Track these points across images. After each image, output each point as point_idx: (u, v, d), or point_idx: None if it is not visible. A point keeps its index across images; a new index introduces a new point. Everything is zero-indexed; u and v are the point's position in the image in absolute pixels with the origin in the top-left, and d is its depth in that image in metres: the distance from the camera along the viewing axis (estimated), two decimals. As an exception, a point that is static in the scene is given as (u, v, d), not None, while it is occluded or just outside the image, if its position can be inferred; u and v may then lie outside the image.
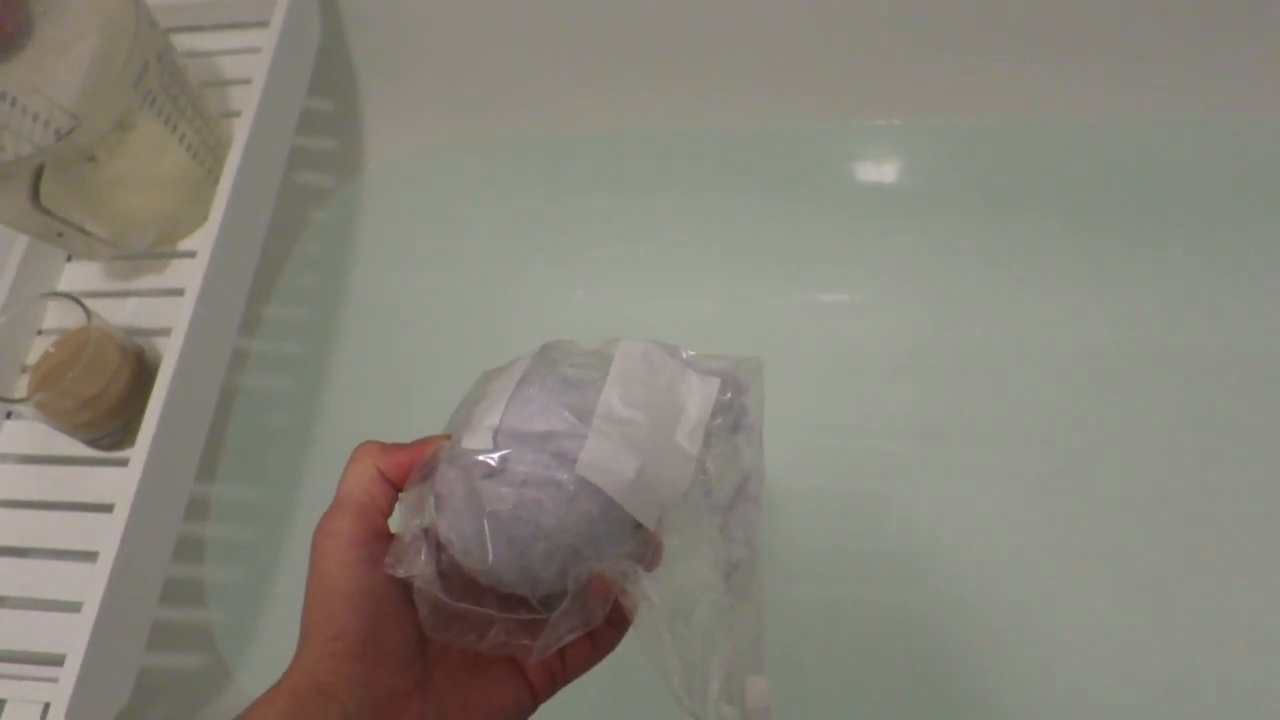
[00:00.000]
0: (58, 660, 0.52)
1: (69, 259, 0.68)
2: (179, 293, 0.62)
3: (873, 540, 0.78)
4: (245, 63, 0.72)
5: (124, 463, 0.57)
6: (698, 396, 0.36)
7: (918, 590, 0.75)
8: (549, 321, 0.89)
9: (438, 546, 0.34)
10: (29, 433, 0.62)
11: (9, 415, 0.63)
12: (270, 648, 0.77)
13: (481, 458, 0.33)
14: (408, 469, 0.35)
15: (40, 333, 0.63)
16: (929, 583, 0.75)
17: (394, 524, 0.36)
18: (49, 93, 0.63)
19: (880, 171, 0.90)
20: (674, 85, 0.88)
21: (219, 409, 0.65)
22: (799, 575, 0.77)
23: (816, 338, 0.85)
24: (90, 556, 0.55)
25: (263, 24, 0.71)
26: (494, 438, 0.33)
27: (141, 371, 0.61)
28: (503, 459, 0.33)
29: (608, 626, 0.35)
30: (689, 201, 0.92)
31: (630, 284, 0.90)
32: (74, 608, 0.54)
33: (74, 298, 0.58)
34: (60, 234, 0.59)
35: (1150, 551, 0.73)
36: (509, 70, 0.88)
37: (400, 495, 0.36)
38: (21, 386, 0.60)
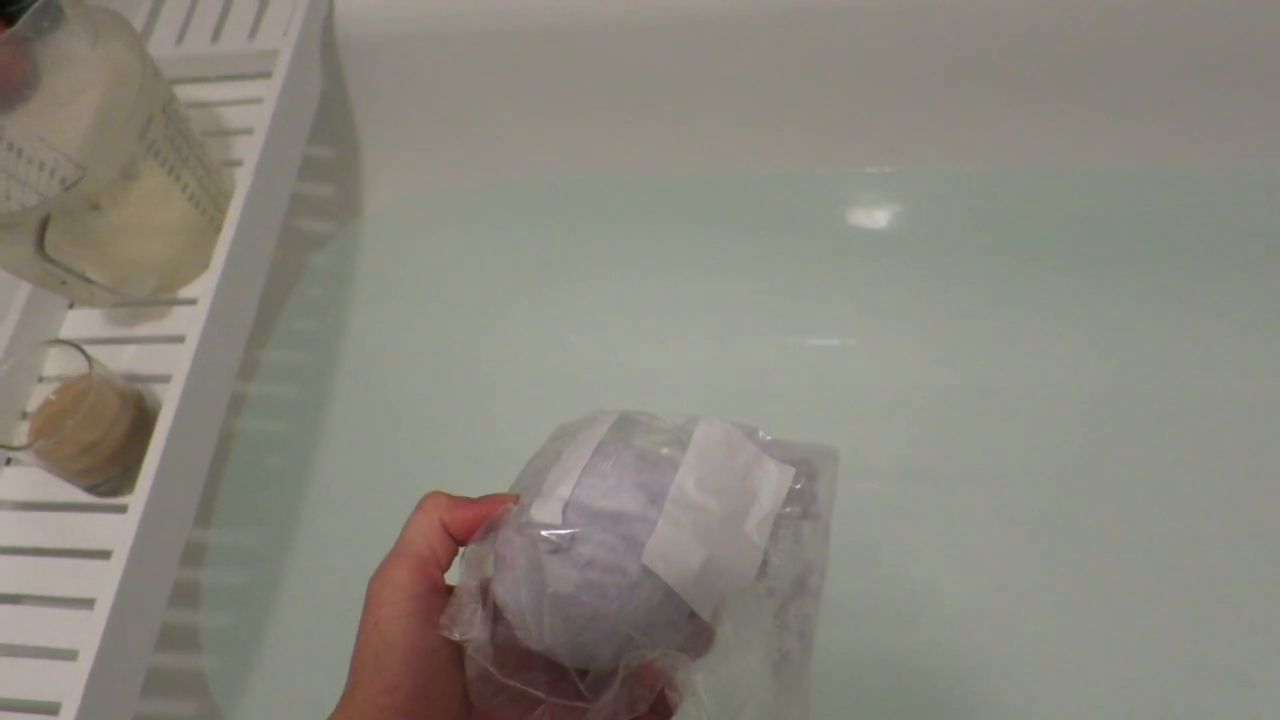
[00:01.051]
0: (53, 709, 0.52)
1: (70, 306, 0.69)
2: (179, 340, 0.63)
3: (866, 583, 0.78)
4: (248, 113, 0.73)
5: (123, 509, 0.57)
6: (772, 485, 0.35)
7: (911, 634, 0.75)
8: (541, 365, 0.90)
9: (494, 609, 0.34)
10: (28, 479, 0.62)
11: (8, 462, 0.63)
12: (264, 694, 0.76)
13: (548, 533, 0.33)
14: (473, 525, 0.35)
15: (41, 379, 0.63)
16: (923, 626, 0.75)
17: (453, 578, 0.35)
18: (55, 142, 0.64)
19: (873, 216, 0.91)
20: (667, 130, 0.89)
21: (216, 453, 0.65)
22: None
23: (810, 380, 0.86)
24: (87, 604, 0.55)
25: (265, 75, 0.73)
26: (564, 511, 0.33)
27: (141, 418, 0.61)
28: (570, 537, 0.32)
29: (651, 714, 0.34)
30: (683, 245, 0.93)
31: (624, 327, 0.91)
32: (70, 655, 0.54)
33: (75, 345, 0.59)
34: (64, 282, 0.60)
35: (1145, 595, 0.73)
36: (504, 115, 0.90)
37: (462, 551, 0.35)
38: (21, 433, 0.61)
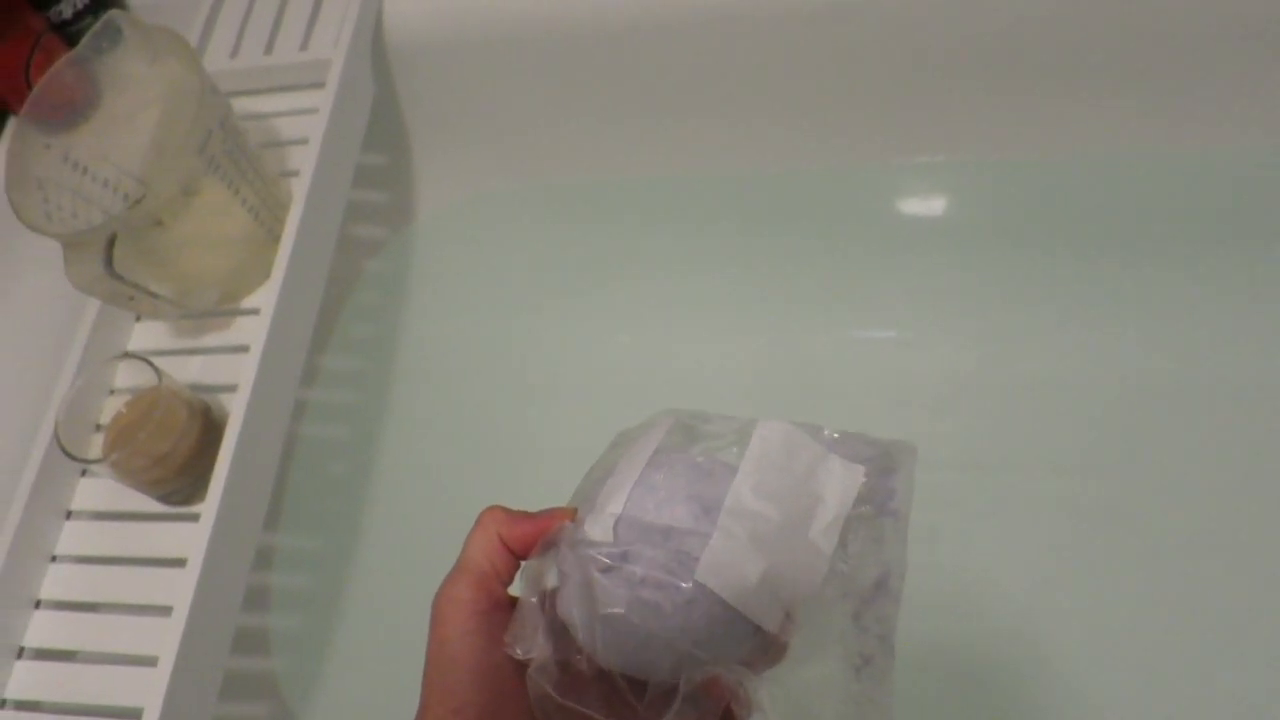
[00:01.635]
0: (135, 714, 0.54)
1: (138, 319, 0.70)
2: (244, 349, 0.64)
3: (924, 574, 0.77)
4: (303, 123, 0.74)
5: (195, 518, 0.59)
6: (838, 487, 0.34)
7: (971, 625, 0.75)
8: (595, 365, 0.90)
9: (556, 625, 0.34)
10: (103, 490, 0.64)
11: (84, 473, 0.65)
12: (335, 694, 0.78)
13: (598, 553, 0.32)
14: (531, 541, 0.35)
15: (112, 392, 0.65)
16: (983, 617, 0.75)
17: (515, 590, 0.36)
18: (118, 160, 0.65)
19: (924, 207, 0.90)
20: (715, 128, 0.89)
21: (281, 459, 0.66)
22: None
23: (863, 374, 0.86)
24: (165, 611, 0.56)
25: (318, 86, 0.73)
26: (615, 528, 0.33)
27: (209, 428, 0.63)
28: (622, 554, 0.32)
29: None
30: (732, 242, 0.93)
31: (675, 325, 0.91)
32: (150, 661, 0.55)
33: (144, 358, 0.60)
34: (131, 297, 0.61)
35: (1211, 585, 0.72)
36: (553, 117, 0.90)
37: (523, 565, 0.35)
38: (96, 446, 0.62)
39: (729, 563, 0.32)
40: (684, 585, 0.31)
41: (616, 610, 0.32)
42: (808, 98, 0.85)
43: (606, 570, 0.32)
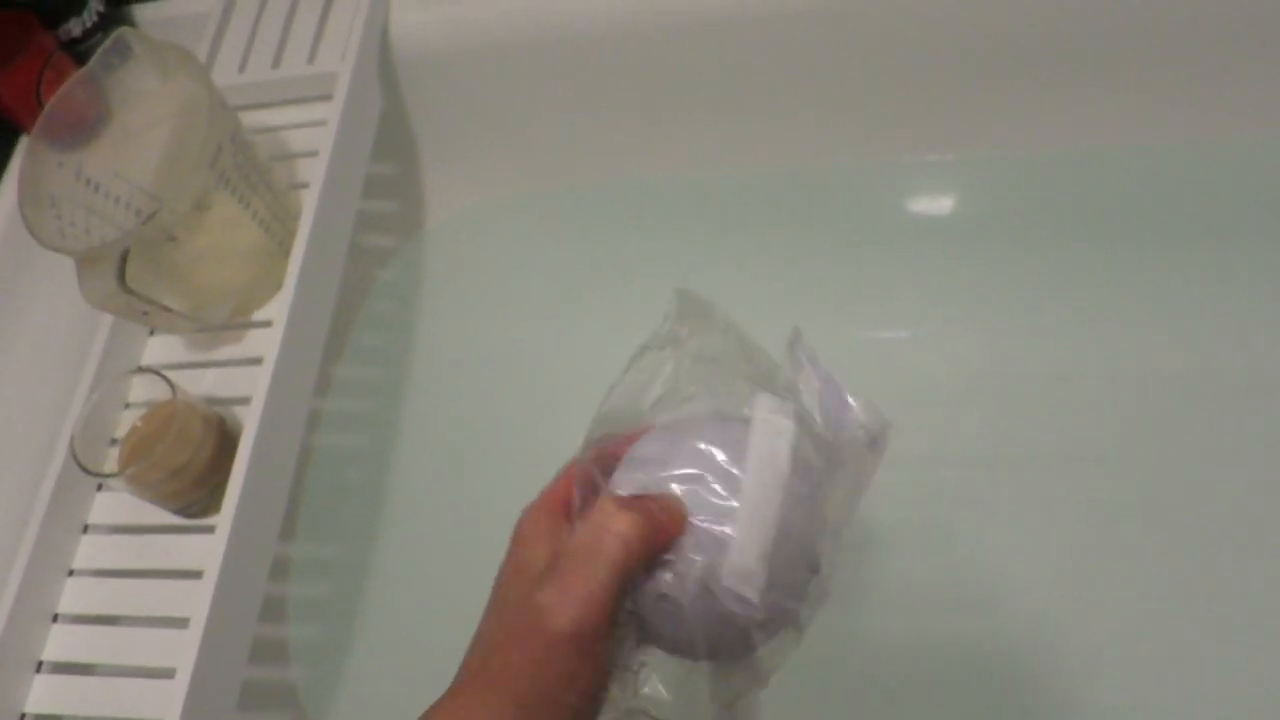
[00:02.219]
0: (155, 726, 0.54)
1: (151, 333, 0.71)
2: (257, 361, 0.64)
3: (944, 570, 0.77)
4: (311, 136, 0.74)
5: (211, 529, 0.59)
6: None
7: (990, 620, 0.74)
8: (611, 369, 0.89)
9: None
10: (119, 503, 0.64)
11: (100, 487, 0.65)
12: (354, 703, 0.78)
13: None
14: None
15: (127, 407, 0.65)
16: (1001, 614, 0.74)
17: None
18: (130, 176, 0.66)
19: (935, 204, 0.90)
20: (721, 127, 0.89)
21: (296, 469, 0.66)
22: (872, 608, 0.76)
23: (879, 373, 0.85)
24: (182, 623, 0.57)
25: (326, 98, 0.74)
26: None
27: (224, 440, 0.63)
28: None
29: None
30: (744, 243, 0.93)
31: (689, 327, 0.90)
32: (168, 674, 0.55)
33: (159, 372, 0.61)
34: (145, 312, 0.62)
35: (1234, 582, 0.71)
36: (560, 122, 0.90)
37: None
38: (112, 460, 0.63)
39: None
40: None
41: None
42: (815, 96, 0.85)
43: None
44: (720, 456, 0.36)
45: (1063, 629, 0.73)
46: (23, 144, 0.80)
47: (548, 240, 0.97)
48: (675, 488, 0.36)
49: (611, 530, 0.34)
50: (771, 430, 0.37)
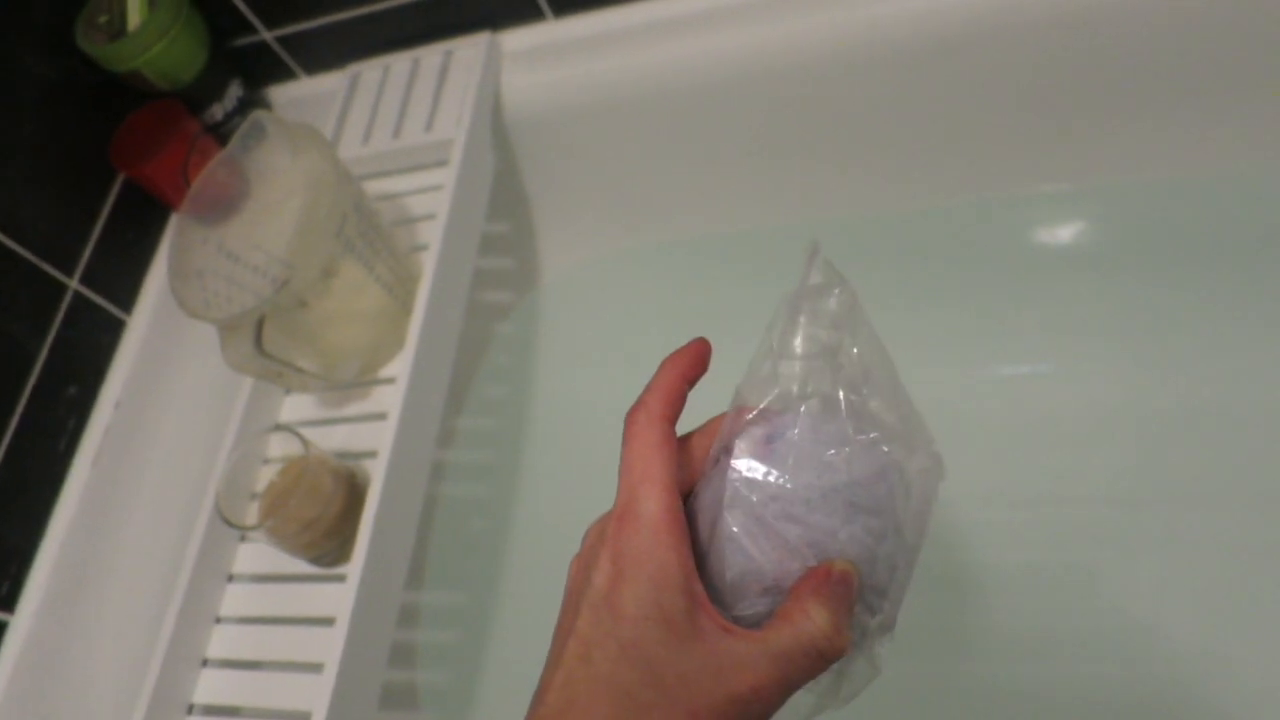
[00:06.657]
0: (293, 767, 0.57)
1: (286, 393, 0.75)
2: (382, 416, 0.68)
3: (1084, 617, 0.74)
4: (430, 200, 0.78)
5: (342, 579, 0.62)
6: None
7: (1135, 671, 0.71)
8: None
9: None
10: (259, 554, 0.68)
11: (242, 539, 0.69)
12: (481, 747, 0.80)
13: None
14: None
15: (266, 462, 0.69)
16: (1148, 663, 0.71)
17: None
18: (266, 248, 0.70)
19: (1055, 236, 0.88)
20: (830, 174, 0.89)
21: (422, 519, 0.69)
22: (1004, 655, 0.74)
23: (1002, 411, 0.83)
24: (316, 668, 0.60)
25: (443, 163, 0.78)
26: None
27: (353, 493, 0.66)
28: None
29: None
30: (861, 286, 0.92)
31: (805, 372, 0.90)
32: (304, 717, 0.58)
33: (293, 430, 0.64)
34: (280, 373, 0.66)
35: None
36: (671, 174, 0.92)
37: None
38: (252, 513, 0.67)
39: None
40: None
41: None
42: (926, 135, 0.84)
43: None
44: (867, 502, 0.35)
45: (1211, 679, 0.69)
46: (173, 222, 0.87)
47: (661, 291, 0.98)
48: (846, 550, 0.35)
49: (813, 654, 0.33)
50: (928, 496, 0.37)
